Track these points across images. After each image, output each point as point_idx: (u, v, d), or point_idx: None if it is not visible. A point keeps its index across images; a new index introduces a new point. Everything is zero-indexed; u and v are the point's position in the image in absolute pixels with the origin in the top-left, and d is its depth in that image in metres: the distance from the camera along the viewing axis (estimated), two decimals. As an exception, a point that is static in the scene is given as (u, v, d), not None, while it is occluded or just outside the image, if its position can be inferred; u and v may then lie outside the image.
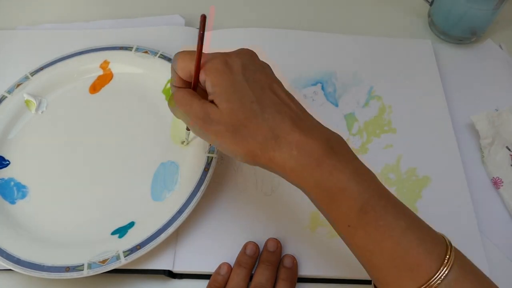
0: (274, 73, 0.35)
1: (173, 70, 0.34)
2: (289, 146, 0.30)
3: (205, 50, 0.33)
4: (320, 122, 0.33)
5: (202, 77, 0.32)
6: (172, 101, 0.34)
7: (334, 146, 0.31)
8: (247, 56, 0.34)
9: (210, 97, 0.32)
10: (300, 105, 0.34)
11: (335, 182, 0.30)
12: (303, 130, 0.31)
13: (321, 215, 0.42)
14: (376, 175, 0.32)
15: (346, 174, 0.30)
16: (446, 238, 0.30)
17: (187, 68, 0.33)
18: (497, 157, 0.47)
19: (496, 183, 0.46)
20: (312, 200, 0.32)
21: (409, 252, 0.28)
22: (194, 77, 0.33)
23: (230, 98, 0.31)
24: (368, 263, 0.31)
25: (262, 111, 0.31)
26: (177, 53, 0.34)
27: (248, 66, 0.33)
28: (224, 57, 0.33)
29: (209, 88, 0.32)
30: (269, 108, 0.31)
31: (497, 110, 0.49)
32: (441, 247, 0.29)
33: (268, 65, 0.35)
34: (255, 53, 0.35)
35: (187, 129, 0.43)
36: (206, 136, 0.33)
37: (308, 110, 0.50)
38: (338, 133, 0.47)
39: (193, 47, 0.32)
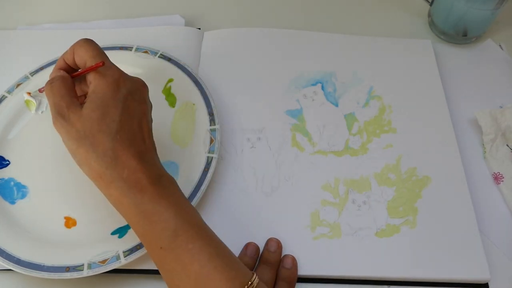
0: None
1: (72, 48, 0.37)
2: (122, 168, 0.32)
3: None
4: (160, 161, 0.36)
5: (90, 77, 0.35)
6: (49, 84, 0.36)
7: (164, 182, 0.34)
8: (138, 86, 0.37)
9: (86, 98, 0.35)
10: (154, 145, 0.36)
11: (154, 206, 0.32)
12: (142, 161, 0.33)
13: (321, 215, 0.43)
14: (199, 213, 0.35)
15: (166, 202, 0.33)
16: (254, 273, 0.33)
17: (83, 59, 0.36)
18: (498, 153, 0.47)
19: (497, 178, 0.46)
20: (130, 224, 0.34)
21: (212, 277, 0.31)
22: (85, 70, 0.36)
23: (97, 108, 0.34)
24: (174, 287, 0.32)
25: (116, 132, 0.33)
26: (84, 40, 0.37)
27: (133, 94, 0.36)
28: (120, 76, 0.36)
29: (90, 89, 0.35)
30: (124, 133, 0.34)
31: (501, 107, 0.50)
32: (244, 276, 0.32)
33: (150, 104, 0.38)
34: (147, 87, 0.38)
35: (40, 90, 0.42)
36: (56, 128, 0.35)
37: (307, 111, 0.51)
38: (338, 132, 0.48)
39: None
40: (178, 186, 0.36)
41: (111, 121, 0.33)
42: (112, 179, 0.32)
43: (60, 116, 0.34)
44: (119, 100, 0.34)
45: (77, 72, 0.38)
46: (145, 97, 0.37)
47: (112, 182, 0.32)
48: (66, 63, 0.38)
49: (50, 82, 0.36)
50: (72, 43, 0.52)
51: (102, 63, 0.35)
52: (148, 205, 0.32)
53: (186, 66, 0.48)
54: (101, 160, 0.32)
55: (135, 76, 0.37)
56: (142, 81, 0.38)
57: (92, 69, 0.35)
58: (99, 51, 0.36)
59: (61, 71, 0.38)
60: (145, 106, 0.37)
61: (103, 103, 0.34)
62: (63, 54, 0.38)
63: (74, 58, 0.37)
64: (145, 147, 0.35)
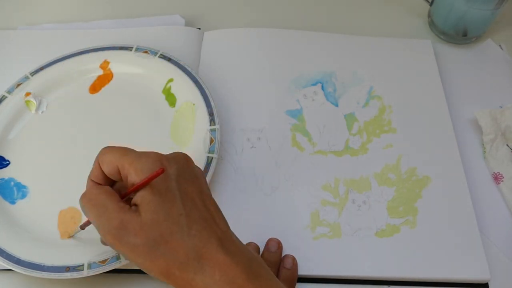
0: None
1: (97, 162, 0.32)
2: (212, 269, 0.28)
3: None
4: (240, 240, 0.31)
5: (131, 177, 0.30)
6: (85, 198, 0.31)
7: (256, 270, 0.29)
8: (182, 162, 0.32)
9: (134, 200, 0.30)
10: (225, 220, 0.32)
11: None
12: (228, 252, 0.28)
13: (321, 215, 0.43)
14: None
15: None
16: None
17: (113, 163, 0.31)
18: (498, 153, 0.47)
19: (497, 178, 0.46)
20: None
21: None
22: (130, 189, 0.30)
23: (157, 208, 0.29)
24: None
25: (189, 226, 0.28)
26: (105, 147, 0.32)
27: (182, 173, 0.31)
28: (160, 158, 0.30)
29: (137, 191, 0.30)
30: (196, 224, 0.29)
31: (501, 107, 0.50)
32: None
33: (201, 172, 0.33)
34: (190, 158, 0.33)
35: (81, 227, 0.38)
36: (117, 249, 0.29)
37: (307, 111, 0.51)
38: (338, 132, 0.48)
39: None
40: (266, 266, 0.31)
41: (178, 216, 0.29)
42: (205, 285, 0.28)
43: (116, 235, 0.28)
44: (173, 189, 0.30)
45: (132, 188, 0.30)
46: (193, 170, 0.32)
47: (206, 287, 0.28)
48: (97, 183, 0.33)
49: (84, 197, 0.31)
50: (72, 43, 0.53)
51: (162, 170, 0.29)
52: None
53: (186, 66, 0.48)
54: (186, 265, 0.28)
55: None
56: (182, 154, 0.33)
57: (154, 177, 0.29)
58: (125, 149, 0.32)
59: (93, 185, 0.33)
60: (198, 180, 0.32)
61: (160, 199, 0.29)
62: (90, 175, 0.33)
63: (102, 172, 0.32)
64: (220, 229, 0.30)
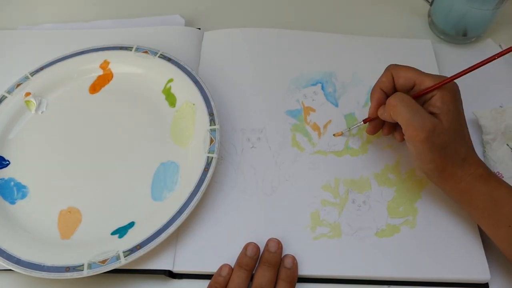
0: None
1: (389, 75, 0.41)
2: (469, 166, 0.38)
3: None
4: None
5: (426, 84, 0.39)
6: (396, 99, 0.38)
7: (490, 170, 0.39)
8: (458, 90, 0.40)
9: (434, 110, 0.38)
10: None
11: (499, 193, 0.38)
12: (476, 155, 0.39)
13: (321, 215, 0.43)
14: None
15: (505, 187, 0.38)
16: None
17: (411, 79, 0.40)
18: (498, 152, 0.47)
19: None
20: (472, 209, 0.39)
21: None
22: (426, 89, 0.39)
23: (455, 118, 0.38)
24: None
25: (466, 138, 0.39)
26: (396, 66, 0.41)
27: (460, 99, 0.40)
28: (456, 84, 0.39)
29: (437, 103, 0.38)
30: (468, 137, 0.39)
31: (501, 107, 0.49)
32: None
33: None
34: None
35: (365, 121, 0.45)
36: (419, 143, 0.37)
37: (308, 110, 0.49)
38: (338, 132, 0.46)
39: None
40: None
41: (463, 129, 0.39)
42: (463, 176, 0.38)
43: (428, 133, 0.36)
44: (461, 109, 0.39)
45: (425, 90, 0.39)
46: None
47: (462, 178, 0.38)
48: (384, 91, 0.41)
49: (396, 98, 0.38)
50: (72, 43, 0.53)
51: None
52: (494, 192, 0.38)
53: (186, 66, 0.48)
54: (456, 164, 0.38)
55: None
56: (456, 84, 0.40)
57: (488, 61, 0.38)
58: (412, 68, 0.40)
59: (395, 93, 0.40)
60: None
61: (457, 112, 0.38)
62: (379, 85, 0.41)
63: (392, 83, 0.41)
64: (470, 139, 0.40)
